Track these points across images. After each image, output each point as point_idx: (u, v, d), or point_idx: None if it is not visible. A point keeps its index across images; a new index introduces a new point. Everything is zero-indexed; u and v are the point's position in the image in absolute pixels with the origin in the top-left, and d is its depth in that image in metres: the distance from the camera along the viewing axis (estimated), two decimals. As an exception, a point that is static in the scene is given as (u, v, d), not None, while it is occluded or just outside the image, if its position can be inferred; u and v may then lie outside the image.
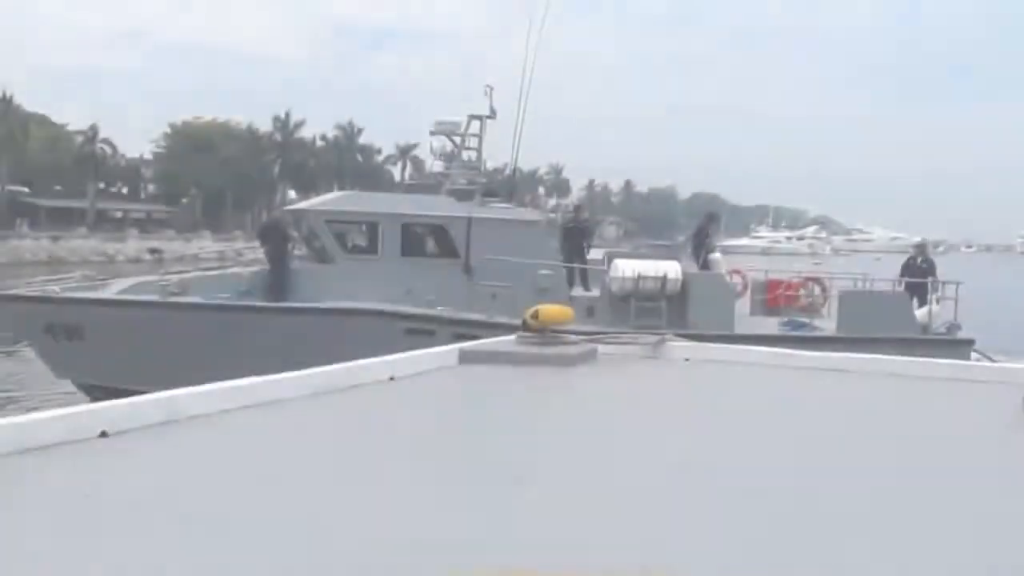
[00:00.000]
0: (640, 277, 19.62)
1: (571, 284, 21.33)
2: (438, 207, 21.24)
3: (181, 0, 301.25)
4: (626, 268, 19.88)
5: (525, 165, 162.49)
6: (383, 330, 18.69)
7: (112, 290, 20.00)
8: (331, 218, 19.96)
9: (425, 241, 20.98)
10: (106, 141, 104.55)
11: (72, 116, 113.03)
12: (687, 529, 3.26)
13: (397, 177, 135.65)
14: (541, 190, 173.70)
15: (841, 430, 5.27)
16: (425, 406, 5.79)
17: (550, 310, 7.69)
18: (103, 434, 4.24)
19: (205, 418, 4.70)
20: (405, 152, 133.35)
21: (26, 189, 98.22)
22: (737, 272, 24.35)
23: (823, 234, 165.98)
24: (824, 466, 4.34)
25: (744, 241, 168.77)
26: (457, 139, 22.57)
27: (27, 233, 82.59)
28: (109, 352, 18.64)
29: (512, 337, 7.44)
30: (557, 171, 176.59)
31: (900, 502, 3.76)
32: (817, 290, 22.60)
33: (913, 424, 5.56)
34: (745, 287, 23.03)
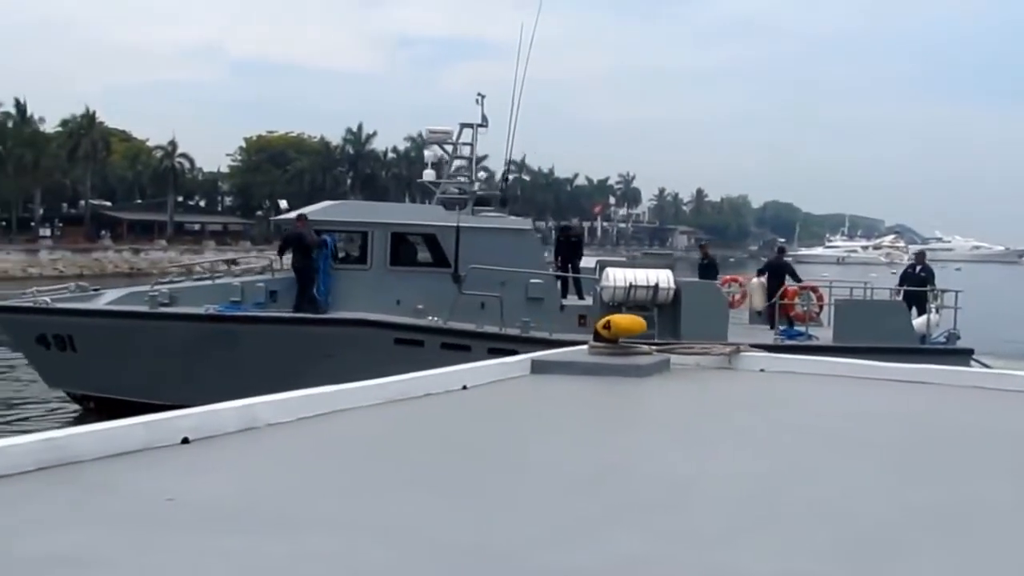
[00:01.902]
0: (631, 286, 19.40)
1: (565, 293, 21.22)
2: (427, 216, 21.16)
3: (254, 17, 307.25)
4: (617, 277, 19.59)
5: (595, 175, 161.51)
6: (372, 340, 18.72)
7: (103, 300, 20.06)
8: (320, 228, 19.85)
9: (415, 250, 20.86)
10: (184, 155, 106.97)
11: (151, 131, 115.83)
12: (764, 541, 3.22)
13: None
14: (612, 199, 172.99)
15: (925, 441, 5.16)
16: (497, 415, 5.80)
17: (622, 320, 7.65)
18: (185, 440, 4.34)
19: (283, 426, 4.78)
20: (475, 163, 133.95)
21: (108, 203, 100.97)
22: (735, 281, 24.11)
23: (900, 243, 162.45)
24: (909, 476, 4.26)
25: (818, 251, 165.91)
26: (449, 148, 22.41)
27: (110, 245, 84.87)
28: (99, 362, 18.85)
29: (584, 347, 7.42)
30: (627, 180, 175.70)
31: (988, 511, 3.68)
32: (813, 299, 22.33)
33: (1000, 434, 5.42)
34: (744, 296, 22.76)
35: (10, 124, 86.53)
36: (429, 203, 22.51)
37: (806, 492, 3.91)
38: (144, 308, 19.10)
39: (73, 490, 3.67)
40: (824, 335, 20.01)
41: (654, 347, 7.58)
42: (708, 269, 23.25)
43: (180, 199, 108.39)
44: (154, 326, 18.88)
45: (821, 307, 21.88)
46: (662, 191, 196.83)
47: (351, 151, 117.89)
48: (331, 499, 3.68)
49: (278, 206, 28.05)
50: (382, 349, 18.39)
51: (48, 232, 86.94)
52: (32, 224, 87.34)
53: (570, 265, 21.74)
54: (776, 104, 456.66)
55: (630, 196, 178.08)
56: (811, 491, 3.93)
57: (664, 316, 19.26)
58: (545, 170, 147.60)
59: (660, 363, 7.16)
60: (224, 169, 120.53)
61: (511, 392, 6.37)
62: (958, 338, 20.43)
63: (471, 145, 22.03)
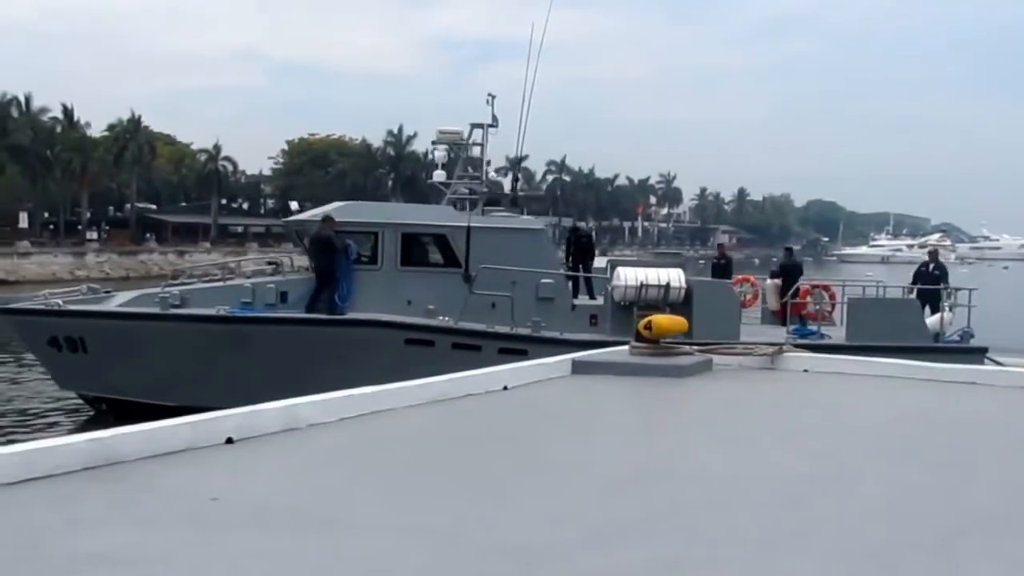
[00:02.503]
0: (643, 285, 19.20)
1: (576, 292, 21.06)
2: (438, 216, 20.94)
3: (297, 21, 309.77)
4: (628, 276, 19.40)
5: (636, 174, 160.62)
6: (383, 340, 18.65)
7: (114, 303, 20.01)
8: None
9: (425, 250, 20.70)
10: (227, 159, 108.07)
11: (196, 135, 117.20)
12: (809, 544, 3.18)
13: (507, 188, 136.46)
14: (653, 199, 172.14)
15: (972, 442, 5.08)
16: (538, 415, 5.80)
17: (663, 320, 7.61)
18: (229, 440, 4.38)
19: (325, 426, 4.81)
20: (515, 164, 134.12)
21: (153, 206, 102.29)
22: (747, 280, 23.93)
23: (947, 242, 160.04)
24: (958, 478, 4.19)
25: (862, 250, 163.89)
26: (460, 148, 22.14)
27: (155, 248, 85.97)
28: (111, 363, 18.83)
29: (625, 348, 7.40)
30: (668, 180, 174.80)
31: None
32: (825, 297, 22.18)
33: None
34: (755, 296, 22.55)
35: (58, 129, 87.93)
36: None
37: (851, 494, 3.87)
38: (155, 310, 19.10)
39: (119, 489, 3.72)
40: (837, 334, 19.81)
41: (696, 347, 7.53)
42: (722, 269, 23.08)
43: (223, 202, 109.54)
44: (165, 328, 18.88)
45: (833, 306, 21.80)
46: (703, 190, 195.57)
47: (392, 153, 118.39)
48: (373, 499, 3.70)
49: (288, 208, 28.10)
50: (393, 349, 18.42)
51: (95, 235, 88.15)
52: (79, 227, 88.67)
53: (581, 265, 21.69)
54: (820, 102, 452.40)
55: (671, 196, 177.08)
56: (857, 493, 3.88)
57: (676, 315, 19.20)
58: (585, 170, 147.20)
59: (702, 363, 7.12)
60: (267, 172, 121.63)
61: (552, 393, 6.36)
62: (972, 336, 20.21)
63: (482, 145, 22.03)
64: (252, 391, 17.61)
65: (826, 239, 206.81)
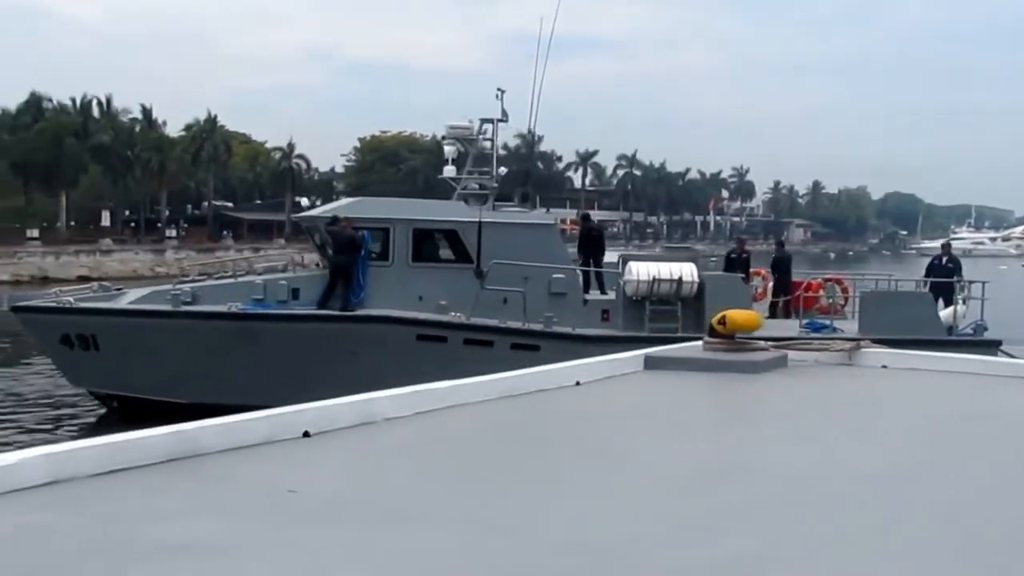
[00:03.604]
0: (655, 280, 19.10)
1: (587, 287, 20.89)
2: (449, 212, 20.90)
3: (368, 19, 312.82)
4: (640, 271, 19.32)
5: (708, 168, 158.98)
6: (395, 336, 18.70)
7: (126, 300, 20.09)
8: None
9: (436, 246, 20.71)
10: (301, 156, 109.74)
11: (270, 133, 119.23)
12: (886, 543, 3.13)
13: (578, 183, 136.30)
14: (725, 193, 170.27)
15: None
16: (611, 411, 5.78)
17: (737, 316, 7.53)
18: (306, 434, 4.45)
19: (399, 420, 4.86)
20: (585, 159, 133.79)
21: (230, 204, 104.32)
22: (758, 274, 23.58)
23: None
24: None
25: (942, 243, 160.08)
26: (468, 144, 22.05)
27: (231, 245, 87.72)
28: (123, 361, 18.92)
29: (699, 343, 7.34)
30: (741, 173, 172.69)
31: None
32: (838, 291, 21.80)
33: None
34: (765, 291, 22.28)
35: (137, 129, 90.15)
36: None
37: (931, 493, 3.79)
38: (167, 307, 19.14)
39: (200, 481, 3.81)
40: (849, 327, 19.44)
41: (771, 343, 7.44)
42: (738, 263, 22.79)
43: (297, 199, 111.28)
44: (177, 325, 18.91)
45: (846, 299, 21.57)
46: (777, 184, 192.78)
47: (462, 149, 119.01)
48: (447, 493, 3.73)
49: (299, 204, 28.22)
50: (405, 345, 18.52)
51: (174, 233, 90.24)
52: (159, 225, 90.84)
53: (591, 259, 21.51)
54: (898, 93, 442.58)
55: (744, 189, 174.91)
56: (936, 492, 3.80)
57: (688, 310, 19.09)
58: (656, 164, 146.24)
59: (777, 359, 7.03)
60: (339, 169, 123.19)
61: (624, 388, 6.34)
62: (985, 329, 20.03)
63: (492, 140, 21.94)
64: (264, 387, 17.85)
65: (904, 232, 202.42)
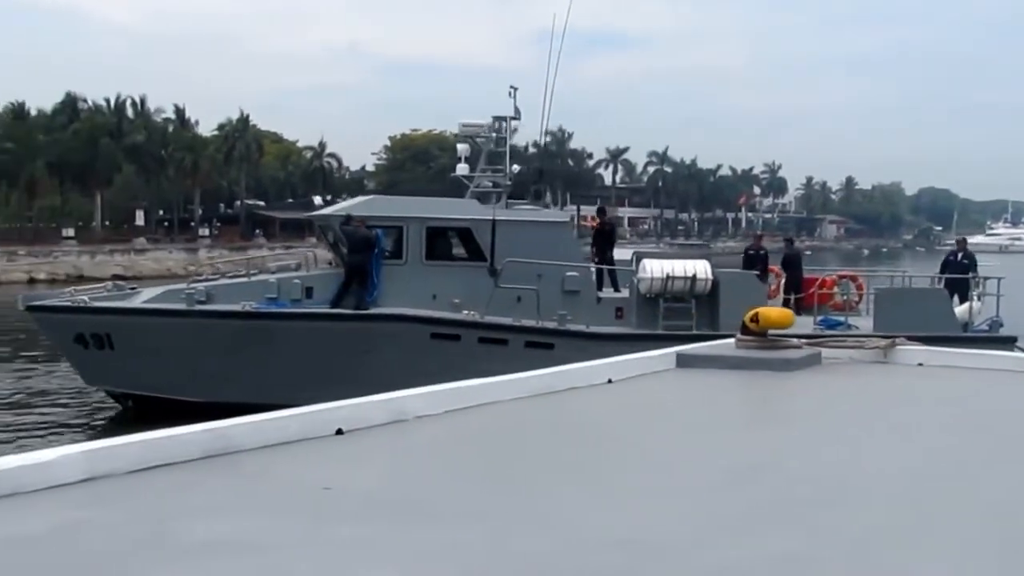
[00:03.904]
0: (669, 277, 19.02)
1: (600, 285, 20.79)
2: (462, 210, 20.84)
3: (398, 19, 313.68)
4: (654, 268, 19.23)
5: (739, 164, 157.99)
6: (409, 335, 18.67)
7: (140, 299, 20.09)
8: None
9: (450, 244, 20.70)
10: (332, 155, 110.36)
11: (301, 133, 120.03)
12: (926, 543, 3.09)
13: (608, 180, 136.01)
14: (757, 189, 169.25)
15: None
16: (643, 409, 5.76)
17: (770, 313, 7.48)
18: (339, 431, 4.47)
19: (431, 418, 4.88)
20: (616, 156, 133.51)
21: (262, 203, 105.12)
22: (771, 271, 23.51)
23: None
24: None
25: (978, 239, 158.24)
26: (481, 141, 22.00)
27: (263, 243, 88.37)
28: (137, 360, 18.92)
29: (731, 341, 7.30)
30: (773, 169, 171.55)
31: None
32: (852, 288, 21.66)
33: None
34: (778, 287, 22.19)
35: (170, 129, 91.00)
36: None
37: (970, 493, 3.74)
38: (181, 306, 19.17)
39: (235, 478, 3.84)
40: (864, 324, 19.28)
41: (804, 340, 7.39)
42: (755, 259, 22.61)
43: (328, 197, 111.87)
44: (191, 324, 18.93)
45: (861, 296, 21.49)
46: (809, 180, 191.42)
47: (492, 147, 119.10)
48: (480, 491, 3.73)
49: (312, 203, 28.23)
50: (419, 344, 18.51)
51: (207, 232, 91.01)
52: (192, 224, 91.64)
53: (603, 255, 21.43)
54: (931, 88, 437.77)
55: (776, 185, 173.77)
56: (976, 492, 3.75)
57: (702, 307, 19.05)
58: (687, 160, 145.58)
59: (810, 357, 6.97)
60: (370, 168, 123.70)
61: (656, 386, 6.31)
62: (1001, 325, 19.93)
63: (505, 138, 21.90)
64: (278, 386, 17.89)
65: (939, 228, 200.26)
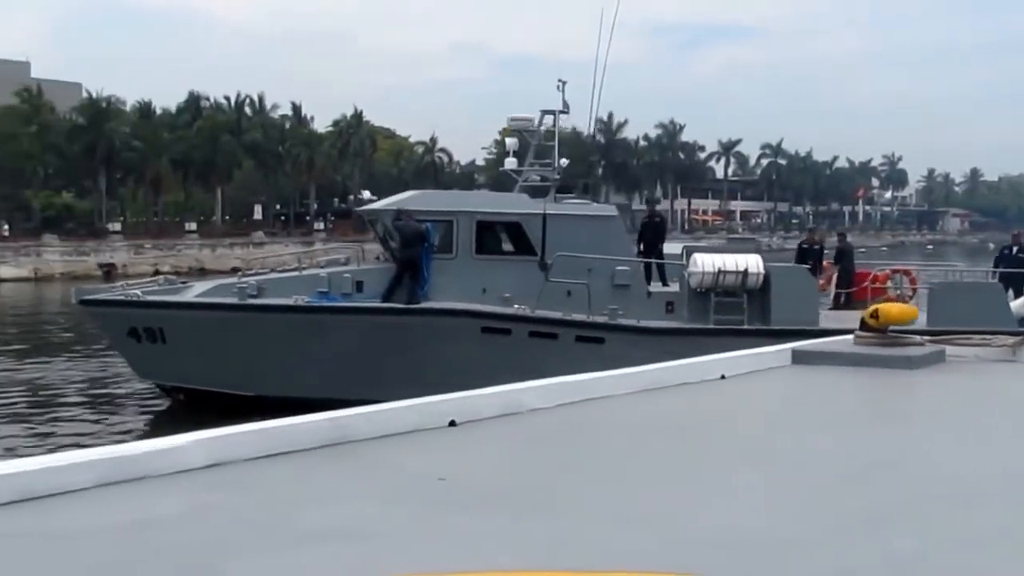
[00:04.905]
0: (720, 272, 18.59)
1: (648, 279, 20.40)
2: (512, 204, 20.64)
3: (511, 14, 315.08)
4: (706, 262, 18.84)
5: (857, 156, 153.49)
6: (460, 329, 18.53)
7: (192, 293, 20.09)
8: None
9: (500, 239, 20.35)
10: (443, 150, 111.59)
11: (413, 128, 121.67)
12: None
13: (720, 174, 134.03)
14: (875, 182, 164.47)
15: None
16: (757, 405, 5.67)
17: (891, 309, 7.27)
18: (452, 423, 4.53)
19: (544, 411, 4.90)
20: (728, 148, 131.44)
21: (375, 197, 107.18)
22: (825, 265, 22.74)
23: None
24: None
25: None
26: (530, 135, 21.61)
27: (373, 236, 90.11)
28: (189, 353, 18.97)
29: (849, 337, 7.12)
30: (892, 161, 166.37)
31: None
32: (906, 282, 20.95)
33: None
34: (829, 281, 21.64)
35: (287, 126, 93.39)
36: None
37: None
38: (233, 300, 19.25)
39: (353, 467, 3.92)
40: (919, 319, 18.62)
41: (927, 338, 7.15)
42: (809, 254, 22.09)
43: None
44: (243, 318, 19.01)
45: (914, 291, 20.75)
46: (931, 172, 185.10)
47: (602, 140, 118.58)
48: (593, 484, 3.73)
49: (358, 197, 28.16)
50: (469, 338, 18.46)
51: (321, 226, 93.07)
52: (307, 218, 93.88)
53: (652, 249, 21.07)
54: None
55: (895, 178, 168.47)
56: None
57: (754, 302, 18.76)
58: (802, 152, 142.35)
59: (934, 355, 6.75)
60: (480, 162, 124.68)
61: (772, 382, 6.21)
62: None
63: (553, 132, 21.65)
64: (330, 380, 17.81)
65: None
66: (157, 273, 59.56)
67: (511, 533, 3.07)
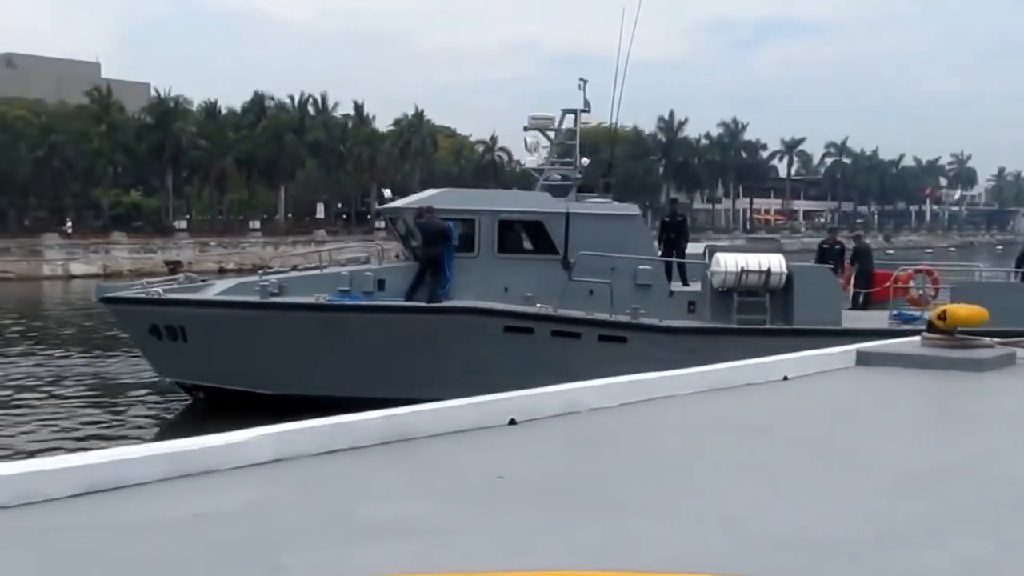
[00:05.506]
0: (743, 271, 18.38)
1: (669, 279, 20.17)
2: (534, 203, 20.49)
3: (566, 12, 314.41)
4: (728, 262, 18.63)
5: (924, 155, 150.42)
6: (482, 327, 18.42)
7: (213, 291, 20.09)
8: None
9: (522, 237, 20.24)
10: (503, 149, 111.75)
11: (474, 127, 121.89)
12: None
13: (782, 172, 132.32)
14: (943, 181, 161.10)
15: None
16: (821, 407, 5.59)
17: (959, 310, 7.12)
18: (512, 421, 4.54)
19: (604, 410, 4.88)
20: (791, 147, 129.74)
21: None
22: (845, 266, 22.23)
23: None
24: None
25: None
26: (551, 134, 21.38)
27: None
28: (210, 351, 18.98)
29: (916, 339, 6.99)
30: (961, 160, 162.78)
31: None
32: (928, 282, 20.51)
33: None
34: (848, 280, 21.21)
35: (349, 125, 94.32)
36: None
37: None
38: (254, 298, 19.21)
39: (413, 463, 3.95)
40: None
41: (997, 340, 6.99)
42: (830, 254, 21.83)
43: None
44: (264, 316, 18.99)
45: (937, 290, 20.40)
46: (1002, 170, 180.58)
47: (663, 139, 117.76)
48: (655, 484, 3.71)
49: (381, 195, 28.11)
50: (492, 336, 18.42)
51: (382, 224, 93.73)
52: (369, 217, 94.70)
53: (674, 248, 20.82)
54: None
55: (964, 177, 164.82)
56: None
57: (776, 301, 18.60)
58: (868, 151, 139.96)
59: (1004, 357, 6.60)
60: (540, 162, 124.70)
61: (836, 384, 6.12)
62: None
63: (574, 131, 21.46)
64: (351, 379, 17.51)
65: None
66: (222, 271, 60.63)
67: (570, 532, 3.06)
